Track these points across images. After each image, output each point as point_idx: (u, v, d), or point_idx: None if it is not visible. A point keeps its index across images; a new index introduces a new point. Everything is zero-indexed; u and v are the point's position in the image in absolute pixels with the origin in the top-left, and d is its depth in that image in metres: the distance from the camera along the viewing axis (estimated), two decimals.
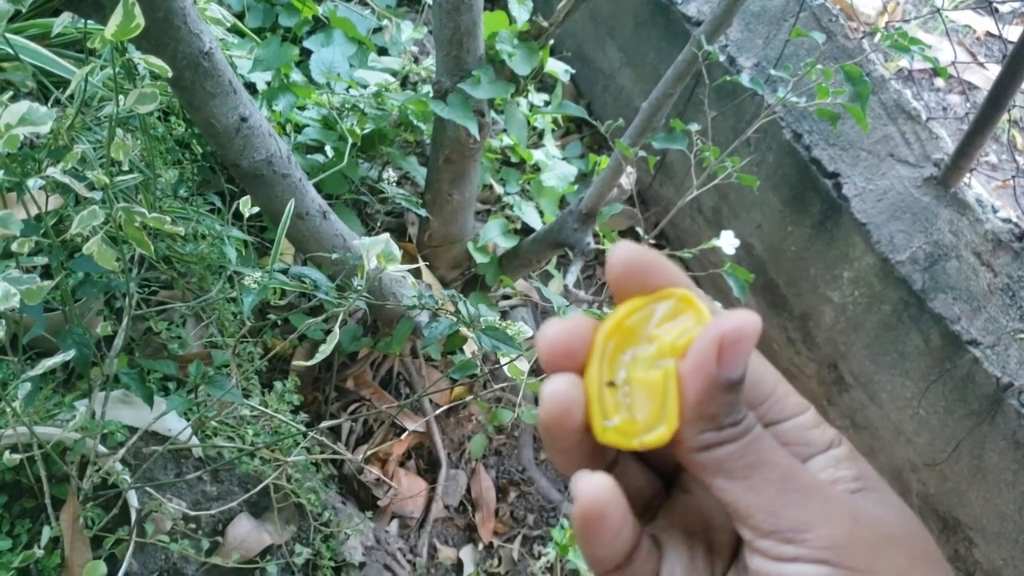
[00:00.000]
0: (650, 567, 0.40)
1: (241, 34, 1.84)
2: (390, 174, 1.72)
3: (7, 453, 0.99)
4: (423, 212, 1.77)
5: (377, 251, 0.96)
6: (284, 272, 1.15)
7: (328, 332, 1.02)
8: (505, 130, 1.85)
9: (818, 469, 0.39)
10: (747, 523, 0.36)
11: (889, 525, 0.37)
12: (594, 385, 0.38)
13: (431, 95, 1.58)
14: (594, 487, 0.37)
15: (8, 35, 1.07)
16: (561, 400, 0.38)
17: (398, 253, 0.96)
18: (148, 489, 1.20)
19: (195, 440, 1.27)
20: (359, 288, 1.02)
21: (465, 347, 1.79)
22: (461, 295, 1.17)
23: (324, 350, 0.99)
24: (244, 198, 1.17)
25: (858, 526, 0.36)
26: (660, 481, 0.45)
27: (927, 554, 0.38)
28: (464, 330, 1.13)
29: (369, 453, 1.81)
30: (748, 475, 0.36)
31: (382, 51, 2.03)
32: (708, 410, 0.36)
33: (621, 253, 0.39)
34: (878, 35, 1.41)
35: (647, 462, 0.45)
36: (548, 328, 0.39)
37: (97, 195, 0.95)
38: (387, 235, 0.97)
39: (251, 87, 1.82)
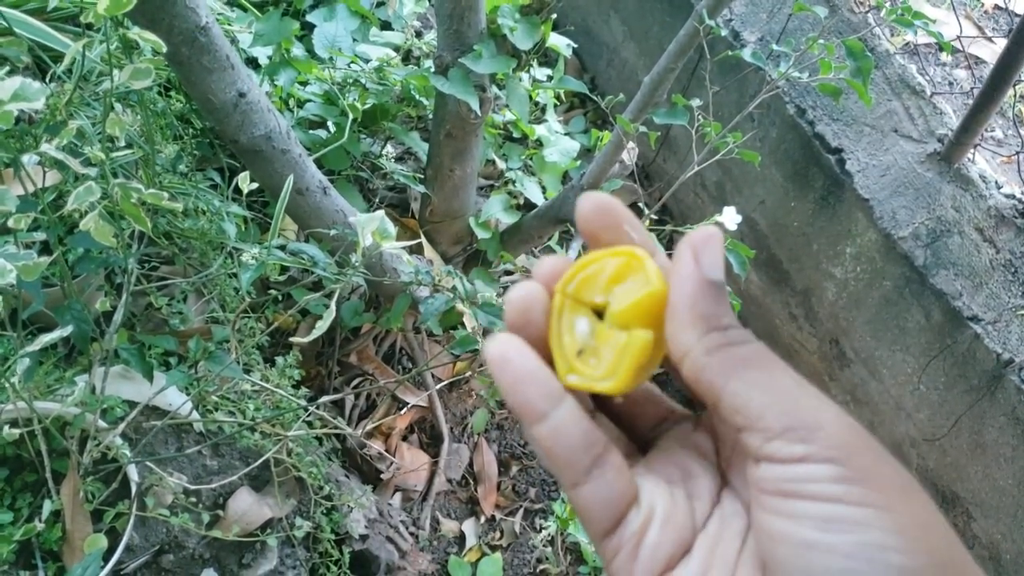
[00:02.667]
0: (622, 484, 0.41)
1: (243, 8, 1.83)
2: (389, 150, 1.71)
3: (7, 428, 1.00)
4: (422, 188, 1.76)
5: (372, 228, 0.95)
6: (282, 248, 1.15)
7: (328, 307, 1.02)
8: (507, 105, 1.84)
9: None
10: (758, 424, 0.36)
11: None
12: (555, 336, 0.41)
13: (432, 70, 1.57)
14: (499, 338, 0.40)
15: (4, 9, 1.07)
16: (523, 301, 0.41)
17: (393, 230, 0.96)
18: (148, 463, 1.21)
19: (196, 415, 1.28)
20: (356, 264, 1.02)
21: (465, 322, 1.80)
22: (459, 271, 1.17)
23: (321, 326, 0.99)
24: (243, 174, 1.17)
25: (862, 436, 0.36)
26: (635, 446, 0.47)
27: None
28: (460, 306, 1.13)
29: (372, 427, 1.82)
30: (764, 375, 0.37)
31: (385, 25, 2.01)
32: (703, 308, 0.38)
33: (589, 201, 0.41)
34: (883, 11, 1.40)
35: (621, 425, 0.47)
36: (512, 292, 0.41)
37: (94, 171, 0.95)
38: (382, 212, 0.97)
39: (253, 62, 1.81)
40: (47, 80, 1.25)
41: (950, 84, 1.93)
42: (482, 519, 1.86)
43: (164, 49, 0.90)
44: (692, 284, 0.38)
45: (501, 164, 2.09)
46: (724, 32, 1.95)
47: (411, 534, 1.76)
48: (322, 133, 1.76)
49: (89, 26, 0.86)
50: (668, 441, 0.45)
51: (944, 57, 2.00)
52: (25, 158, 0.87)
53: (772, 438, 0.36)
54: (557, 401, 0.39)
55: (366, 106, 1.74)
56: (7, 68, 0.94)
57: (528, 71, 1.89)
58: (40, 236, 1.00)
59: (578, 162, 2.05)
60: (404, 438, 1.90)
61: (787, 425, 0.36)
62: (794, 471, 0.36)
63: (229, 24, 1.71)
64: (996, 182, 1.59)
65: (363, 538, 1.57)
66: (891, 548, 0.34)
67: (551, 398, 0.39)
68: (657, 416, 0.47)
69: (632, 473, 0.41)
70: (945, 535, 0.36)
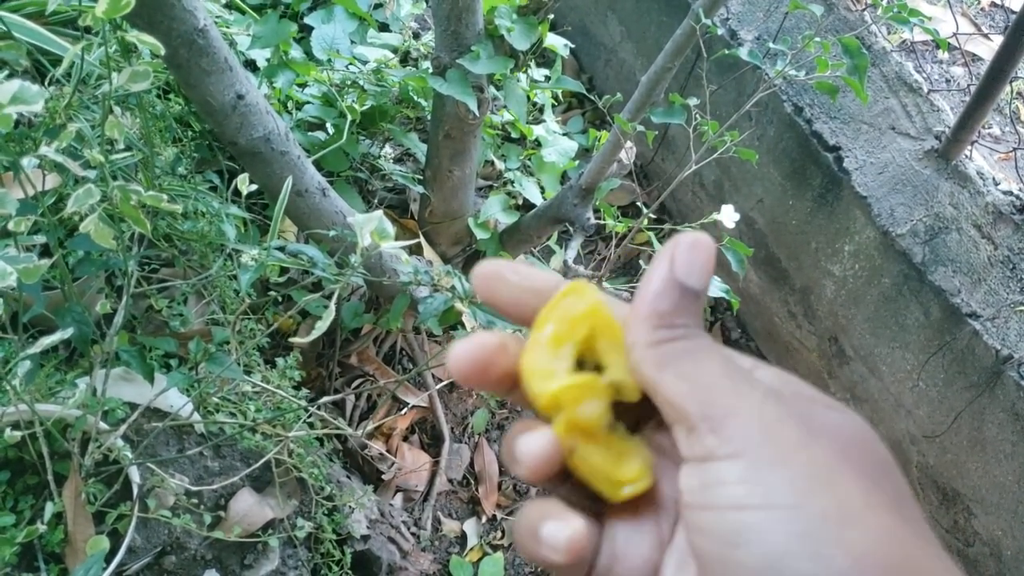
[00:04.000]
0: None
1: (240, 11, 1.83)
2: (387, 151, 1.72)
3: (9, 430, 1.00)
4: (420, 188, 1.77)
5: (371, 228, 0.96)
6: (281, 249, 1.16)
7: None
8: (505, 106, 1.84)
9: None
10: (680, 416, 0.36)
11: (833, 427, 0.36)
12: (596, 462, 0.41)
13: (430, 71, 1.58)
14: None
15: (3, 13, 1.07)
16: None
17: (391, 230, 0.97)
18: (150, 465, 1.21)
19: (196, 416, 1.28)
20: (355, 265, 1.03)
21: (464, 321, 1.80)
22: (459, 271, 1.18)
23: (320, 326, 1.00)
24: (242, 175, 1.17)
25: (784, 422, 0.34)
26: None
27: (875, 459, 0.36)
28: (459, 305, 1.13)
29: (372, 428, 1.83)
30: (693, 365, 0.36)
31: (382, 27, 2.02)
32: (659, 306, 0.37)
33: (478, 270, 0.42)
34: (880, 7, 1.40)
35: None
36: (457, 347, 0.41)
37: (94, 174, 0.96)
38: (381, 212, 0.97)
39: (252, 64, 1.82)
40: (46, 84, 1.25)
41: (947, 81, 1.93)
42: (483, 519, 1.87)
43: (163, 51, 0.90)
44: (657, 283, 0.38)
45: (500, 164, 2.09)
46: (721, 31, 1.96)
47: (412, 534, 1.76)
48: (320, 135, 1.77)
49: (87, 29, 0.86)
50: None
51: (941, 54, 2.00)
52: (25, 161, 0.87)
53: (690, 431, 0.35)
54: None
55: (365, 108, 1.75)
56: (6, 72, 0.95)
57: (526, 71, 1.90)
58: (40, 239, 1.00)
59: (576, 162, 2.06)
60: (405, 438, 1.90)
61: (702, 415, 0.35)
62: (704, 475, 0.34)
63: (227, 27, 1.71)
64: (994, 179, 1.60)
65: (364, 539, 1.57)
66: (796, 555, 0.30)
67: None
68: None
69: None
70: (883, 524, 0.31)
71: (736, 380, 0.36)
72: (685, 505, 0.35)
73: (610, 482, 0.40)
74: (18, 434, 1.00)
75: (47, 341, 0.89)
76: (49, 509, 1.08)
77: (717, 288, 1.39)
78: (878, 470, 0.35)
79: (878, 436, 0.37)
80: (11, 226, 0.88)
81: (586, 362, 0.41)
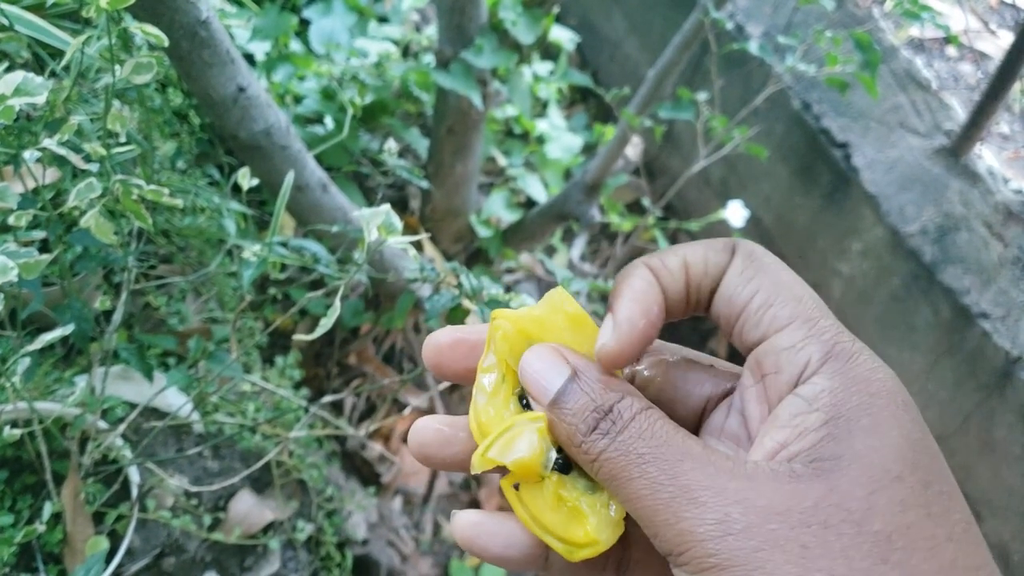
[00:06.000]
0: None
1: (239, 3, 1.81)
2: (391, 146, 1.69)
3: (7, 428, 0.98)
4: (425, 184, 1.74)
5: (378, 223, 0.93)
6: (284, 245, 1.14)
7: (329, 307, 1.00)
8: (509, 100, 1.82)
9: (785, 420, 0.34)
10: (658, 541, 0.32)
11: (837, 496, 0.30)
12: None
13: (433, 64, 1.55)
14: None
15: (3, 5, 1.05)
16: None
17: (399, 225, 0.94)
18: (149, 465, 1.19)
19: (196, 416, 1.26)
20: (360, 262, 1.00)
21: (468, 321, 1.78)
22: (464, 267, 1.15)
23: (325, 324, 0.97)
24: (243, 169, 1.14)
25: (753, 513, 0.30)
26: None
27: (907, 528, 0.30)
28: (466, 303, 1.11)
29: (372, 429, 1.81)
30: (631, 476, 0.33)
31: (383, 19, 2.00)
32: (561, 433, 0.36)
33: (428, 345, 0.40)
34: (888, 2, 1.39)
35: None
36: (433, 338, 0.40)
37: (94, 167, 0.93)
38: (388, 206, 0.95)
39: (249, 57, 1.79)
40: (45, 76, 1.23)
41: (955, 79, 1.92)
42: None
43: (166, 43, 0.88)
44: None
45: (502, 160, 2.07)
46: (728, 25, 1.94)
47: (412, 538, 1.74)
48: (319, 129, 1.74)
49: (88, 21, 0.84)
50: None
51: (949, 51, 1.99)
52: (26, 154, 0.85)
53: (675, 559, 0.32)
54: None
55: (365, 102, 1.73)
56: (6, 64, 0.92)
57: (530, 65, 1.88)
58: (40, 234, 0.98)
59: (580, 158, 2.04)
60: (405, 440, 1.88)
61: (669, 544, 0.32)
62: None
63: (226, 19, 1.68)
64: (1004, 177, 1.58)
65: (364, 542, 1.55)
66: None
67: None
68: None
69: None
70: None
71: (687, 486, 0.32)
72: None
73: (564, 545, 0.36)
74: (17, 432, 0.98)
75: (48, 337, 0.87)
76: (48, 509, 1.06)
77: None
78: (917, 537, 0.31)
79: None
80: (12, 220, 0.86)
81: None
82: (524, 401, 0.38)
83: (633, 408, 0.34)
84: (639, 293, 0.37)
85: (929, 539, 0.30)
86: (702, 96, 1.35)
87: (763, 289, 0.36)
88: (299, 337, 1.01)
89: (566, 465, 0.37)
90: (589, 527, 0.35)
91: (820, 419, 0.32)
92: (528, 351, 0.37)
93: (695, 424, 0.40)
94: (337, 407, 1.82)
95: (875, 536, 0.29)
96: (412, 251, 1.02)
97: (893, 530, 0.30)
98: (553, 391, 0.35)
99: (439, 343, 0.40)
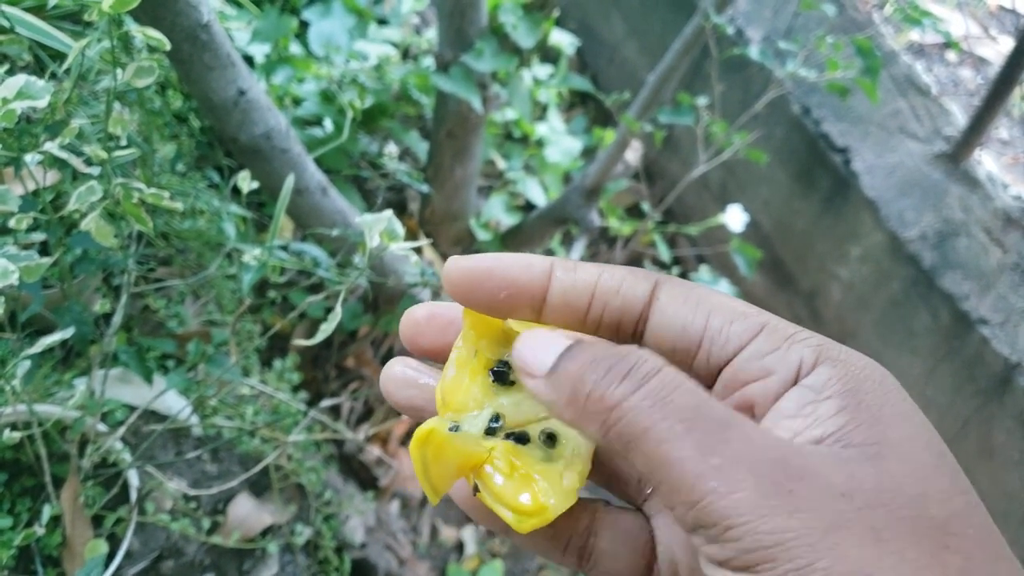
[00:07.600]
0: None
1: (239, 5, 1.81)
2: (391, 149, 1.69)
3: (7, 431, 0.97)
4: (424, 187, 1.74)
5: (380, 228, 0.93)
6: (284, 248, 1.13)
7: (329, 310, 1.00)
8: (508, 104, 1.82)
9: (793, 410, 0.32)
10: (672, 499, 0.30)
11: (861, 483, 0.29)
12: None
13: (433, 67, 1.55)
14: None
15: (4, 7, 1.05)
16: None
17: (401, 230, 0.94)
18: (148, 468, 1.18)
19: (195, 419, 1.25)
20: (361, 266, 1.00)
21: None
22: None
23: (325, 328, 0.97)
24: (243, 172, 1.14)
25: (778, 489, 0.28)
26: None
27: (931, 526, 0.29)
28: None
29: (370, 433, 1.80)
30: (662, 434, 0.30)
31: (382, 22, 2.00)
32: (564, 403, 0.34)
33: (452, 268, 0.37)
34: (888, 7, 1.39)
35: None
36: (410, 313, 0.40)
37: (94, 170, 0.93)
38: (390, 211, 0.95)
39: (249, 59, 1.79)
40: (46, 78, 1.22)
41: (955, 84, 1.92)
42: (481, 526, 1.84)
43: (167, 47, 0.88)
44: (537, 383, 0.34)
45: (502, 164, 2.07)
46: (729, 30, 1.94)
47: (410, 542, 1.74)
48: (318, 132, 1.74)
49: (89, 24, 0.84)
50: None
51: (949, 56, 1.99)
52: (27, 157, 0.85)
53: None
54: None
55: (365, 104, 1.72)
56: (7, 66, 0.92)
57: (530, 69, 1.88)
58: (40, 237, 0.98)
59: (580, 162, 2.04)
60: (402, 443, 1.88)
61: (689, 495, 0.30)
62: None
63: (226, 21, 1.68)
64: (1003, 183, 1.58)
65: (362, 546, 1.55)
66: None
67: None
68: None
69: None
70: None
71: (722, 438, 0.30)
72: None
73: (514, 515, 0.35)
74: (16, 435, 0.97)
75: (48, 340, 0.87)
76: (47, 512, 1.06)
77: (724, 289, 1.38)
78: (932, 537, 0.30)
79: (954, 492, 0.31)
80: (12, 223, 0.86)
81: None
82: (494, 379, 0.38)
83: (656, 359, 0.31)
84: (511, 261, 0.36)
85: (978, 527, 0.30)
86: (702, 101, 1.35)
87: (716, 310, 0.35)
88: (299, 342, 1.01)
89: (522, 437, 0.37)
90: (539, 493, 0.35)
91: (835, 406, 0.31)
92: (524, 333, 0.35)
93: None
94: (335, 410, 1.81)
95: (932, 522, 0.29)
96: (414, 256, 1.02)
97: (947, 517, 0.29)
98: (553, 358, 0.33)
99: (415, 317, 0.40)
